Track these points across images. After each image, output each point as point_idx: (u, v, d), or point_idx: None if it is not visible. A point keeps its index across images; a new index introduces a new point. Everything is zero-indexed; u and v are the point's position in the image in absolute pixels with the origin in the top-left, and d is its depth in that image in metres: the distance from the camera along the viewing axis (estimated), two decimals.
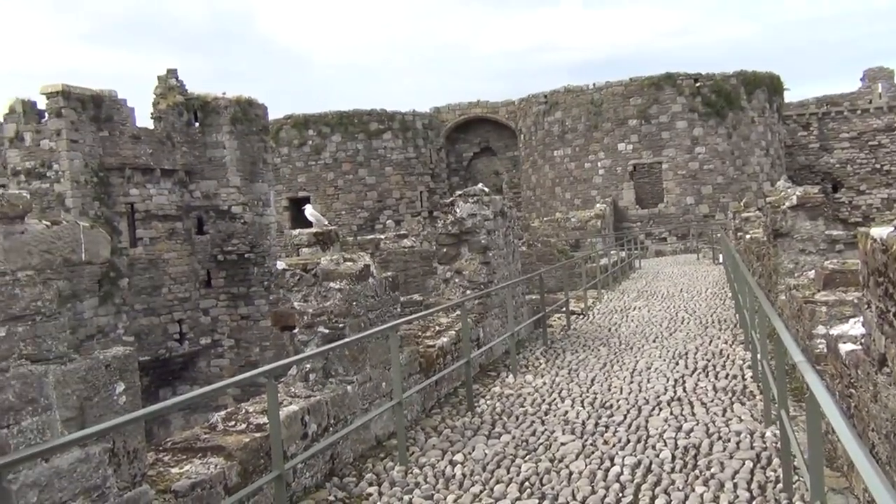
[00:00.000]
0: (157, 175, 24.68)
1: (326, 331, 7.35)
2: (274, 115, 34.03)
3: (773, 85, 42.17)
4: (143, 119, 24.93)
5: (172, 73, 25.88)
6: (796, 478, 5.74)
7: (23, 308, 4.03)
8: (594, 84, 41.36)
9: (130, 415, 4.37)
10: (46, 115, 22.21)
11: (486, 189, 13.07)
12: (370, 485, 6.57)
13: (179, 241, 25.43)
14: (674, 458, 6.77)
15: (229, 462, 5.52)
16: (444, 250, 12.40)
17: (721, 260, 25.00)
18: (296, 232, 11.88)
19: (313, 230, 11.57)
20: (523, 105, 45.17)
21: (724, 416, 7.94)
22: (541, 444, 7.45)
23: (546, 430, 7.92)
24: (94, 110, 22.89)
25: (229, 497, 5.18)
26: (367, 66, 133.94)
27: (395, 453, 7.23)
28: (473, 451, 7.32)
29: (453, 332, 10.41)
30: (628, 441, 7.35)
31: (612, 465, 6.70)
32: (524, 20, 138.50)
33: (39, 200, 21.23)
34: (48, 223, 4.18)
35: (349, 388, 7.37)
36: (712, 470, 6.37)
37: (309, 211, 12.93)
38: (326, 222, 13.06)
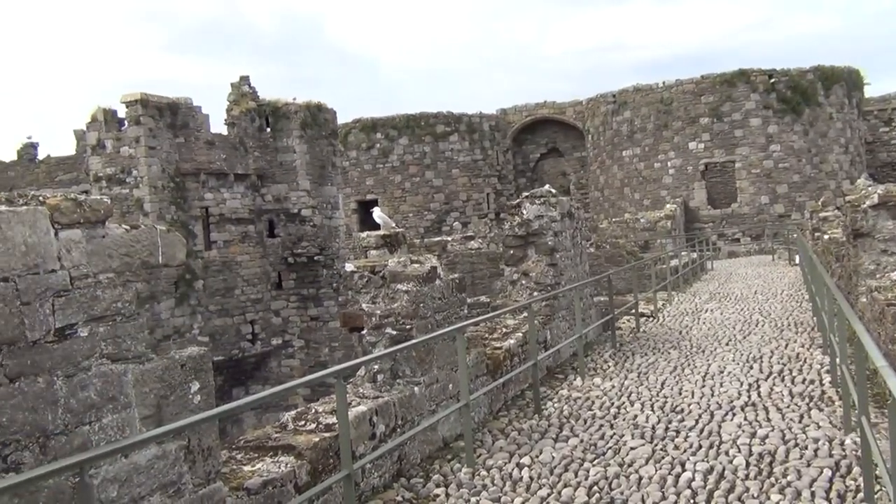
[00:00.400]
0: (231, 179, 25.31)
1: (394, 332, 7.42)
2: (342, 119, 34.50)
3: (852, 80, 40.67)
4: (218, 125, 25.61)
5: (245, 79, 26.51)
6: (878, 487, 5.52)
7: (104, 309, 4.19)
8: (664, 82, 40.63)
9: (205, 413, 4.49)
10: (126, 122, 23.02)
11: (553, 190, 12.98)
12: (437, 486, 6.60)
13: (252, 244, 26.02)
14: (748, 464, 6.60)
15: (299, 461, 5.62)
16: (511, 252, 12.37)
17: (797, 261, 24.23)
18: (364, 234, 12.04)
19: (381, 232, 11.69)
20: (591, 105, 44.69)
21: (800, 422, 7.69)
22: (609, 448, 7.36)
23: (615, 434, 7.81)
24: (170, 117, 23.62)
25: (299, 495, 5.27)
26: (433, 69, 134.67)
27: (463, 455, 7.24)
28: (541, 454, 7.28)
29: (520, 334, 10.37)
30: (700, 446, 7.19)
31: (684, 470, 6.57)
32: (592, 19, 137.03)
33: (119, 205, 22.01)
34: (128, 227, 4.33)
35: (416, 389, 7.41)
36: (789, 478, 6.18)
37: (377, 213, 13.06)
38: (394, 225, 13.19)
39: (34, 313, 3.83)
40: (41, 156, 32.68)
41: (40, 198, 3.97)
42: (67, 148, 31.49)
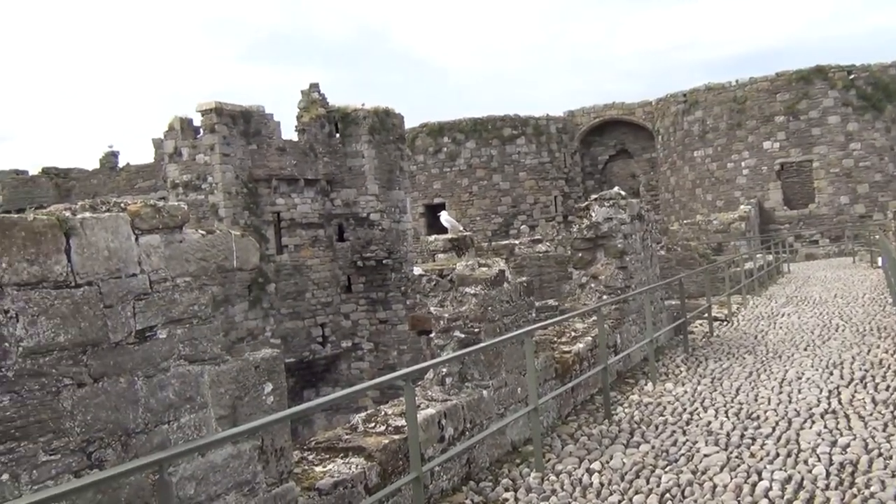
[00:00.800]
0: (301, 185, 25.77)
1: (462, 335, 7.43)
2: (410, 123, 34.77)
3: None
4: (288, 132, 26.12)
5: (315, 86, 26.98)
6: None
7: (181, 312, 4.32)
8: (737, 81, 39.64)
9: (278, 414, 4.58)
10: (201, 131, 23.70)
11: (623, 192, 12.80)
12: (506, 490, 6.58)
13: (322, 248, 26.43)
14: (828, 474, 6.37)
15: (369, 462, 5.68)
16: (580, 255, 12.25)
17: (880, 263, 23.29)
18: (432, 238, 12.09)
19: (449, 236, 11.73)
20: (661, 105, 43.93)
21: (884, 430, 7.40)
22: (682, 454, 7.21)
23: (688, 440, 7.65)
24: (243, 125, 24.21)
25: (369, 497, 5.32)
26: (500, 72, 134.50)
27: (531, 459, 7.20)
28: (611, 459, 7.18)
29: (589, 338, 10.26)
30: (777, 455, 6.98)
31: (760, 479, 6.39)
32: (661, 18, 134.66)
33: (195, 211, 22.66)
34: (204, 232, 4.45)
35: (485, 392, 7.41)
36: (872, 489, 5.95)
37: (444, 217, 13.11)
38: (461, 228, 13.21)
39: (116, 316, 3.97)
40: (122, 164, 33.95)
41: (122, 204, 4.12)
42: (146, 156, 32.68)
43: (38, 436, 3.59)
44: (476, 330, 7.42)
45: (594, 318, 10.59)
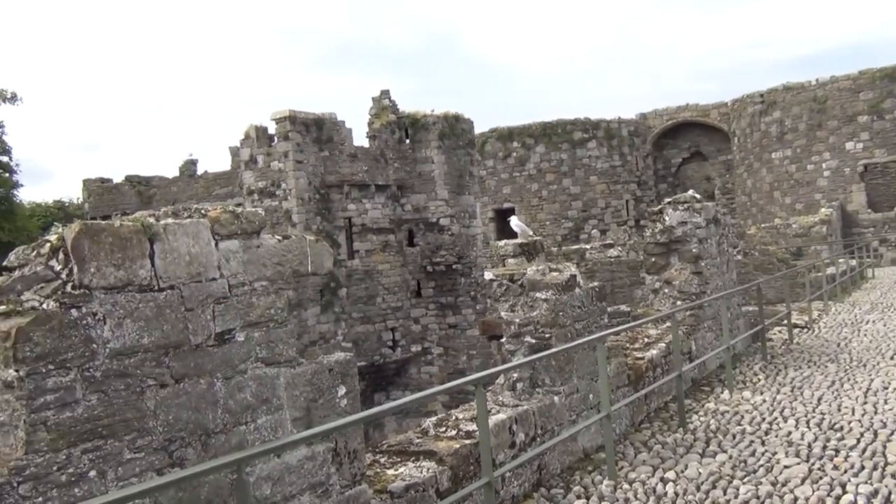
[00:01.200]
0: (372, 190, 26.08)
1: (533, 340, 7.39)
2: (479, 128, 34.80)
3: None
4: (360, 138, 26.49)
5: (385, 93, 27.29)
6: None
7: (258, 315, 4.43)
8: (817, 80, 38.36)
9: (352, 417, 4.64)
10: (276, 138, 24.25)
11: (697, 195, 12.53)
12: (578, 498, 6.50)
13: (392, 253, 26.68)
14: None
15: (441, 467, 5.70)
16: (653, 260, 12.03)
17: None
18: (502, 243, 12.06)
19: (519, 241, 11.68)
20: (737, 106, 42.84)
21: None
22: (761, 465, 7.00)
23: (767, 451, 7.42)
24: (316, 132, 24.65)
25: (441, 501, 5.34)
26: (569, 75, 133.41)
27: (604, 467, 7.10)
28: (686, 469, 7.03)
29: (663, 345, 10.06)
30: (862, 467, 6.71)
31: (844, 492, 6.15)
32: (735, 16, 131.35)
33: (270, 217, 23.15)
34: (280, 237, 4.55)
35: (556, 398, 7.35)
36: None
37: (514, 222, 13.07)
38: (531, 233, 13.15)
39: (197, 319, 4.09)
40: (200, 171, 35.00)
41: (202, 211, 4.25)
42: (223, 164, 33.54)
43: (124, 434, 3.73)
44: (547, 335, 7.37)
45: (668, 324, 10.38)
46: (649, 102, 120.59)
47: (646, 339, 10.45)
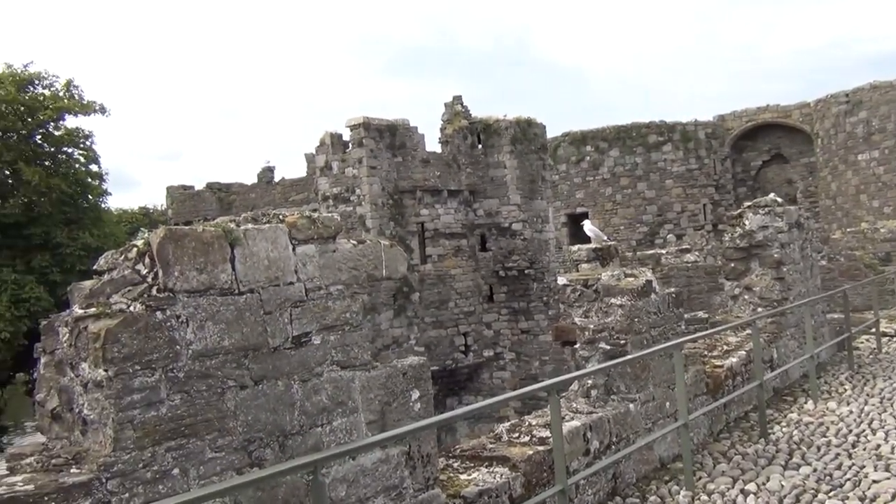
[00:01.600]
0: (445, 196, 26.19)
1: (608, 347, 7.28)
2: (552, 132, 34.57)
3: None
4: (432, 143, 26.65)
5: (458, 98, 27.40)
6: None
7: (334, 319, 4.49)
8: None
9: (426, 420, 4.66)
10: (350, 145, 24.60)
11: (779, 199, 12.14)
12: None
13: (464, 258, 26.71)
14: None
15: (514, 473, 5.66)
16: (732, 265, 11.71)
17: None
18: (575, 248, 11.93)
19: (592, 246, 11.54)
20: (820, 106, 41.37)
21: None
22: (848, 479, 6.72)
23: (854, 464, 7.13)
24: (389, 138, 24.91)
25: None
26: (644, 77, 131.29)
27: (681, 477, 6.94)
28: (768, 481, 6.80)
29: (743, 353, 9.78)
30: None
31: None
32: (817, 14, 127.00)
33: (344, 222, 23.47)
34: (355, 242, 4.61)
35: (631, 406, 7.22)
36: None
37: (587, 227, 12.92)
38: (605, 238, 12.97)
39: (275, 322, 4.18)
40: (277, 178, 35.81)
41: (280, 216, 4.34)
42: (299, 170, 34.25)
43: (205, 434, 3.84)
44: (622, 342, 7.25)
45: (748, 331, 10.09)
46: (727, 104, 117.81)
47: (725, 347, 10.17)
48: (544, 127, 29.18)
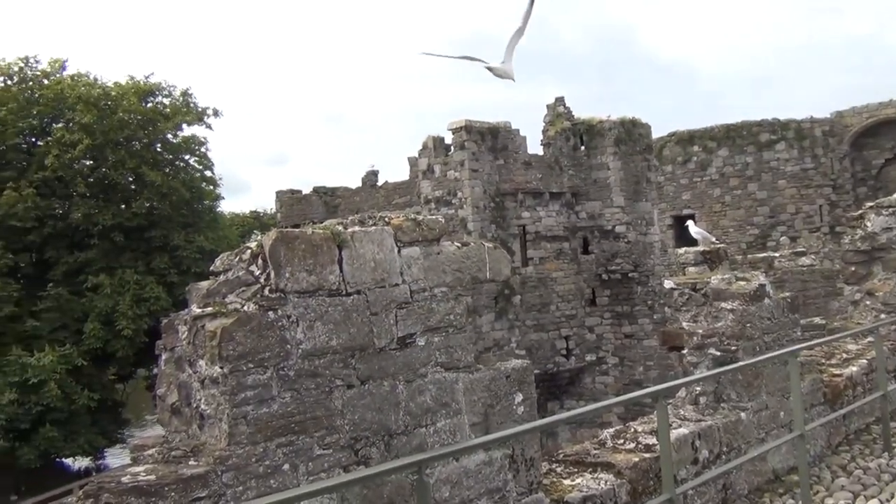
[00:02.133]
0: (546, 198, 26.00)
1: (717, 353, 7.04)
2: (657, 132, 33.80)
3: None
4: (534, 146, 26.52)
5: (560, 100, 27.16)
6: None
7: (438, 321, 4.52)
8: None
9: (530, 424, 4.64)
10: (452, 148, 24.77)
11: None
12: None
13: (566, 261, 26.44)
14: None
15: (619, 480, 5.55)
16: (852, 269, 11.13)
17: None
18: (682, 250, 11.60)
19: (700, 248, 11.19)
20: None
21: None
22: None
23: None
24: (491, 141, 24.94)
25: None
26: (754, 73, 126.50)
27: (796, 490, 6.63)
28: (893, 497, 6.43)
29: (864, 361, 9.26)
30: None
31: None
32: None
33: (448, 224, 23.65)
34: (459, 244, 4.64)
35: (743, 415, 6.96)
36: None
37: (694, 229, 12.55)
38: (713, 239, 12.56)
39: (381, 323, 4.25)
40: (381, 182, 36.46)
41: (386, 219, 4.41)
42: (402, 174, 34.78)
43: (314, 431, 3.94)
44: (733, 348, 7.00)
45: (870, 338, 9.55)
46: (845, 100, 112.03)
47: (844, 355, 9.65)
48: (649, 127, 28.57)
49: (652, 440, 6.07)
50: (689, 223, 13.60)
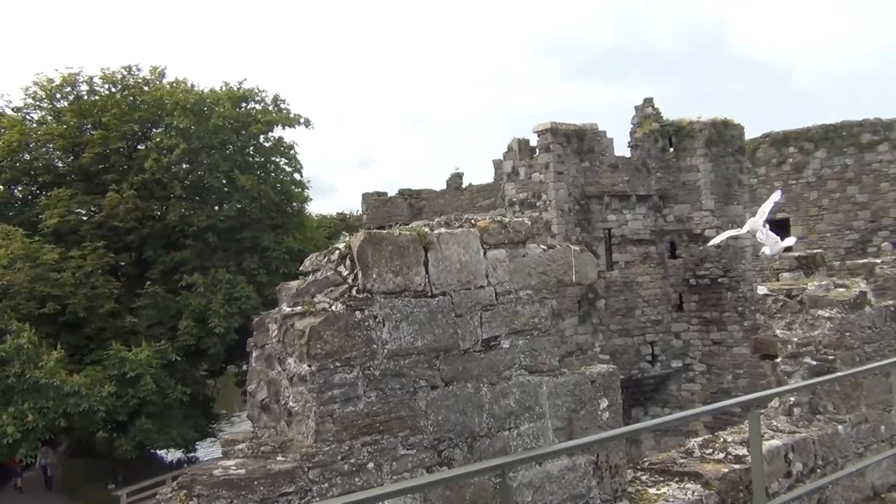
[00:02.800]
0: (633, 201, 25.57)
1: (814, 362, 6.76)
2: (750, 133, 32.75)
3: None
4: (621, 148, 26.10)
5: (649, 101, 26.67)
6: None
7: (523, 324, 4.50)
8: None
9: (615, 430, 4.55)
10: (537, 150, 24.65)
11: None
12: None
13: (653, 265, 25.93)
14: None
15: (707, 490, 5.40)
16: None
17: None
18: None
19: (795, 254, 10.74)
20: None
21: None
22: None
23: None
24: (577, 143, 24.69)
25: None
26: (853, 71, 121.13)
27: None
28: None
29: None
30: None
31: None
32: None
33: (532, 227, 23.53)
34: (545, 247, 4.60)
35: (840, 427, 6.66)
36: None
37: (761, 232, 10.90)
38: (788, 244, 11.26)
39: (465, 325, 4.25)
40: (465, 184, 36.57)
41: (472, 221, 4.42)
42: (486, 176, 34.78)
43: (398, 431, 3.97)
44: (830, 357, 6.71)
45: None
46: None
47: None
48: (742, 128, 27.74)
49: (742, 451, 5.88)
50: (755, 222, 11.24)
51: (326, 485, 3.73)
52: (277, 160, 34.91)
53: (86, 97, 32.79)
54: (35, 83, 32.48)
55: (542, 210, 24.38)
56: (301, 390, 3.82)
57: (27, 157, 32.11)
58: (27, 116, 33.29)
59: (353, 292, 3.89)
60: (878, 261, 23.88)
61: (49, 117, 33.02)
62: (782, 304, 7.06)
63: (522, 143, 24.98)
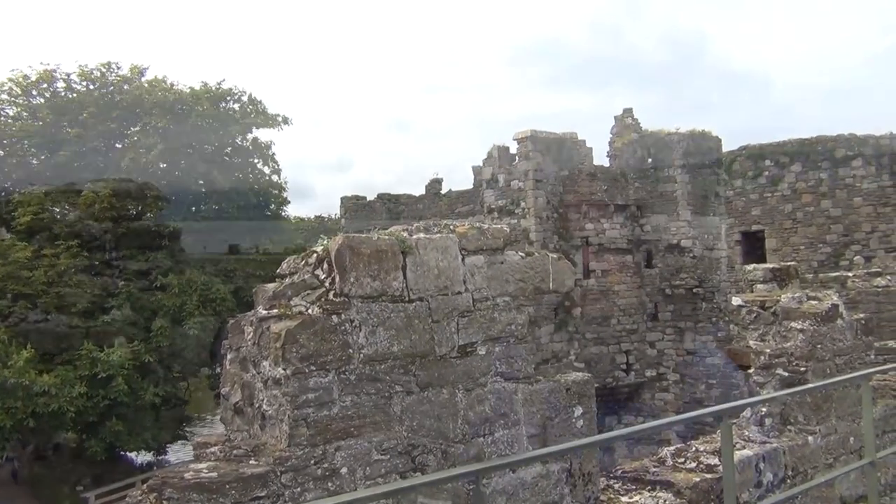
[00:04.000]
0: (611, 210, 25.71)
1: (785, 374, 6.84)
2: (728, 145, 33.12)
3: None
4: (600, 157, 26.28)
5: (628, 112, 26.88)
6: None
7: (500, 330, 4.51)
8: None
9: (589, 438, 4.57)
10: (517, 158, 24.72)
11: None
12: None
13: (629, 274, 26.07)
14: None
15: (679, 499, 5.44)
16: None
17: None
18: (750, 267, 11.29)
19: (770, 265, 10.89)
20: None
21: None
22: None
23: None
24: (556, 152, 24.81)
25: None
26: (832, 85, 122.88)
27: None
28: None
29: None
30: None
31: None
32: None
33: (511, 234, 23.59)
34: (523, 254, 4.61)
35: (810, 438, 6.74)
36: None
37: None
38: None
39: (442, 331, 4.25)
40: (444, 190, 36.62)
41: (451, 226, 4.42)
42: (466, 182, 34.87)
43: (373, 436, 3.96)
44: (802, 369, 6.78)
45: None
46: None
47: None
48: (720, 140, 28.02)
49: (714, 460, 5.92)
50: None
51: (299, 489, 3.71)
52: (255, 161, 34.77)
53: (63, 94, 32.46)
54: (10, 79, 32.11)
55: (521, 217, 24.45)
56: (275, 394, 3.79)
57: (1, 153, 31.69)
58: (1, 112, 32.89)
59: (331, 296, 3.87)
60: (850, 274, 24.24)
61: (25, 114, 32.63)
62: (756, 315, 7.14)
63: (502, 151, 25.04)
